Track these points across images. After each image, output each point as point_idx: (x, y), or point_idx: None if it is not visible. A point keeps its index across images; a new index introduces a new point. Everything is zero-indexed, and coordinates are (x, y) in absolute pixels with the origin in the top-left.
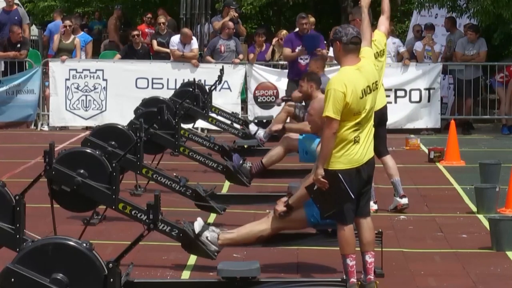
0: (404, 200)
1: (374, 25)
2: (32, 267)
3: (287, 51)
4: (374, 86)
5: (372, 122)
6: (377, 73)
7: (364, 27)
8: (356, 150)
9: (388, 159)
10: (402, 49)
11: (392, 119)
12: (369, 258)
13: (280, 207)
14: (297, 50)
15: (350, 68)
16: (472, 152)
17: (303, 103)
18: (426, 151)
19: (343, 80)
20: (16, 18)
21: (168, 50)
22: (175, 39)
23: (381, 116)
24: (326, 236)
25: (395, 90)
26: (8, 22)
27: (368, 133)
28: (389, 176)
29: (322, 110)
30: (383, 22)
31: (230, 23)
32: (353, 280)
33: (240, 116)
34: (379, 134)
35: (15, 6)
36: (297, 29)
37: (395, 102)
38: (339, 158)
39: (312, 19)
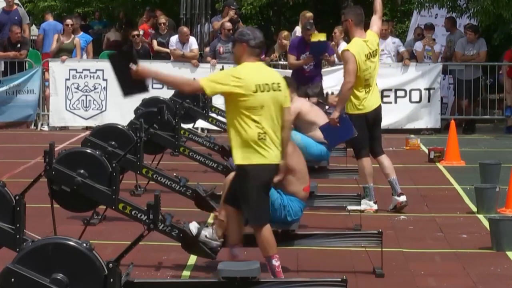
0: (403, 198)
1: (367, 24)
2: (32, 267)
3: (292, 58)
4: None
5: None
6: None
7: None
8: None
9: (384, 159)
10: (402, 49)
11: (392, 119)
12: None
13: None
14: (302, 58)
15: (250, 64)
16: (472, 152)
17: None
18: (426, 151)
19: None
20: (16, 18)
21: (168, 50)
22: (174, 39)
23: (375, 116)
24: (326, 236)
25: (395, 90)
26: (8, 22)
27: None
28: (386, 176)
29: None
30: (376, 21)
31: (227, 24)
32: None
33: None
34: (374, 134)
35: (15, 6)
36: (301, 35)
37: (395, 102)
38: None
39: (309, 14)
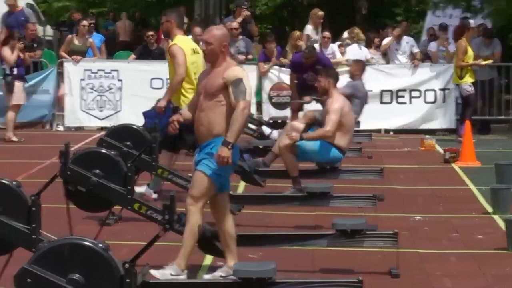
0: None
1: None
2: (48, 267)
3: (292, 77)
4: None
5: None
6: None
7: None
8: None
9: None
10: (416, 50)
11: (407, 120)
12: None
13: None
14: (305, 76)
15: None
16: (487, 153)
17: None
18: (442, 151)
19: None
20: (22, 18)
21: None
22: None
23: None
24: (342, 236)
25: (410, 91)
26: (15, 23)
27: None
28: None
29: (340, 110)
30: None
31: (233, 24)
32: None
33: (254, 117)
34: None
35: (19, 7)
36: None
37: (410, 102)
38: None
39: (320, 13)
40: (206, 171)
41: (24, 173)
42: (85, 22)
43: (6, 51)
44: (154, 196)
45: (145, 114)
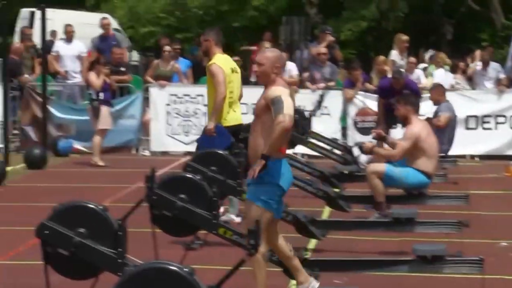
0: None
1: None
2: None
3: (380, 102)
4: None
5: None
6: None
7: None
8: None
9: None
10: (502, 75)
11: (493, 145)
12: None
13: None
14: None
15: None
16: None
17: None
18: None
19: None
20: (113, 43)
21: None
22: None
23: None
24: (423, 262)
25: (496, 116)
26: (107, 48)
27: None
28: None
29: (415, 137)
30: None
31: (322, 49)
32: None
33: (340, 142)
34: None
35: (111, 32)
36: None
37: (496, 128)
38: None
39: (404, 37)
40: (252, 198)
41: (110, 197)
42: (168, 48)
43: (92, 76)
44: (238, 219)
45: (198, 140)
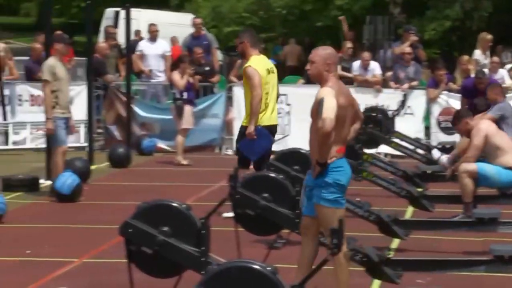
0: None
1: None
2: None
3: (463, 102)
4: None
5: None
6: None
7: None
8: None
9: None
10: None
11: None
12: None
13: None
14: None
15: None
16: None
17: None
18: None
19: None
20: (204, 43)
21: (351, 75)
22: (356, 64)
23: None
24: (499, 262)
25: None
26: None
27: None
28: None
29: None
30: None
31: (406, 49)
32: None
33: (423, 142)
34: None
35: (203, 32)
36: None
37: None
38: None
39: (489, 37)
40: (320, 202)
41: (193, 196)
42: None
43: (176, 76)
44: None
45: (241, 144)
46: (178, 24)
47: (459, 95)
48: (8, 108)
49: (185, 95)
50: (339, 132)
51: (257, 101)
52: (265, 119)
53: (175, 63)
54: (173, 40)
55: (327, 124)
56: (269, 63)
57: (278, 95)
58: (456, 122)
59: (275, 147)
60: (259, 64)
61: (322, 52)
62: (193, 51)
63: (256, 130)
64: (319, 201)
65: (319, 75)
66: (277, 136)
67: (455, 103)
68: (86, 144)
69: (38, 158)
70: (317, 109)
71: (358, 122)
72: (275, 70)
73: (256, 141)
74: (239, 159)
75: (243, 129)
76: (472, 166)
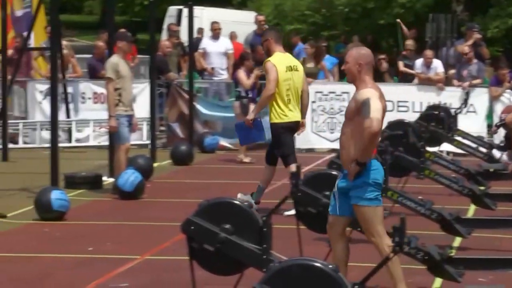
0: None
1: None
2: (278, 287)
3: None
4: None
5: None
6: None
7: None
8: None
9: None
10: None
11: None
12: None
13: None
14: None
15: None
16: None
17: None
18: None
19: None
20: None
21: (414, 72)
22: (419, 62)
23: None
24: None
25: None
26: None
27: None
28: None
29: None
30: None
31: (465, 48)
32: None
33: (485, 140)
34: None
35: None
36: None
37: None
38: None
39: None
40: (360, 202)
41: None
42: (306, 46)
43: (242, 74)
44: (255, 207)
45: (237, 125)
46: (240, 22)
47: None
48: (71, 106)
49: (250, 93)
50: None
51: (267, 95)
52: (289, 115)
53: (238, 61)
54: (232, 36)
55: (376, 124)
56: (292, 61)
57: (303, 91)
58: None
59: (337, 145)
60: (280, 60)
61: (354, 52)
62: (256, 48)
63: (255, 121)
64: (359, 201)
65: (352, 75)
66: (338, 134)
67: None
68: (148, 142)
69: (101, 156)
70: (357, 109)
71: None
72: (300, 68)
73: (251, 130)
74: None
75: (272, 125)
76: None
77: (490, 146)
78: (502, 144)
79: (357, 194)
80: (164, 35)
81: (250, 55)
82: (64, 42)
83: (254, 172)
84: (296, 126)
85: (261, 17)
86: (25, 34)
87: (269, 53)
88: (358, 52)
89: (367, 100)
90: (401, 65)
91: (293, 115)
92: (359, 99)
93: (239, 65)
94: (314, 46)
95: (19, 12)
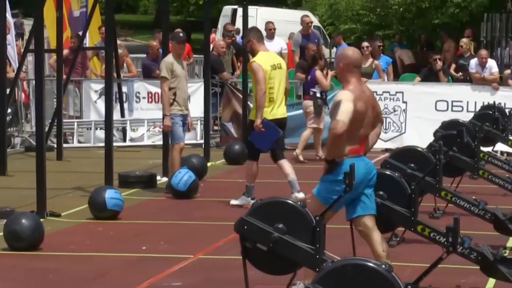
0: (301, 195)
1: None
2: (331, 286)
3: None
4: None
5: None
6: None
7: None
8: None
9: (284, 162)
10: None
11: None
12: None
13: None
14: None
15: None
16: None
17: None
18: None
19: None
20: (315, 41)
21: (458, 75)
22: (473, 61)
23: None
24: None
25: None
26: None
27: None
28: (286, 176)
29: None
30: None
31: None
32: None
33: None
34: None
35: (311, 30)
36: None
37: None
38: None
39: None
40: (316, 194)
41: (309, 193)
42: (364, 44)
43: (320, 74)
44: (253, 201)
45: (250, 138)
46: (294, 22)
47: None
48: (125, 105)
49: (324, 94)
50: (354, 133)
51: (261, 95)
52: (272, 113)
53: (311, 62)
54: (291, 36)
55: (340, 126)
56: (276, 59)
57: (287, 90)
58: None
59: (391, 145)
60: (264, 59)
61: (339, 54)
62: (307, 47)
63: (263, 122)
64: (315, 193)
65: (338, 76)
66: (392, 134)
67: None
68: (202, 141)
69: (155, 155)
70: (333, 110)
71: (379, 125)
72: (283, 65)
73: (265, 133)
74: (248, 152)
75: (251, 122)
76: None
77: None
78: None
79: (318, 187)
80: (218, 35)
81: (319, 54)
82: (119, 42)
83: (308, 171)
84: (279, 124)
85: (308, 19)
86: (80, 33)
87: (253, 53)
88: (342, 53)
89: (339, 102)
90: (453, 66)
91: (278, 113)
92: (334, 100)
93: (312, 65)
94: (371, 45)
95: (76, 13)
